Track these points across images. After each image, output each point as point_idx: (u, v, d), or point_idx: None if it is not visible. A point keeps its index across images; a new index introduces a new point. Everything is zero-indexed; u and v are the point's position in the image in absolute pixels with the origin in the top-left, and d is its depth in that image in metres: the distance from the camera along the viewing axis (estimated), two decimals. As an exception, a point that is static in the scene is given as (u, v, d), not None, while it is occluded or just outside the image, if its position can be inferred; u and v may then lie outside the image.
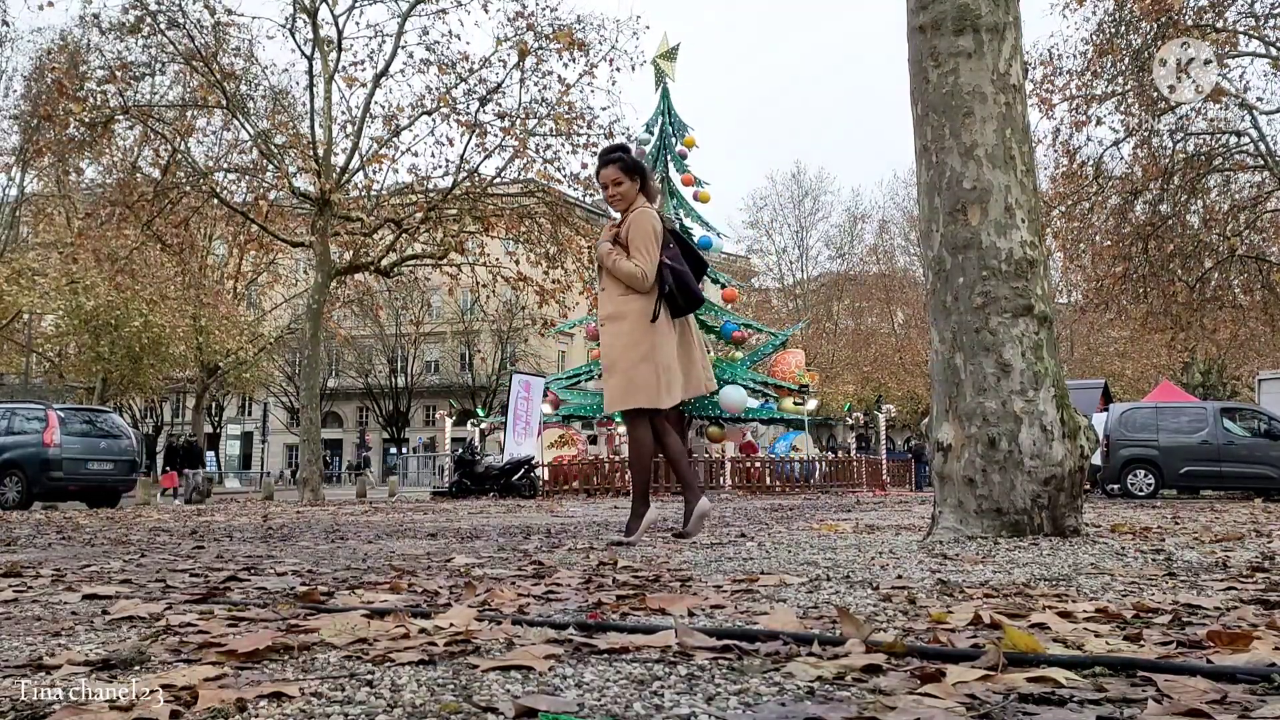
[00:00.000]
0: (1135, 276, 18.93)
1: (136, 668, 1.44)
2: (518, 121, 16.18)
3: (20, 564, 3.35)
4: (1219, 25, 16.40)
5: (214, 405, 43.81)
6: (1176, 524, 5.49)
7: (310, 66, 16.60)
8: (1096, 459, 14.89)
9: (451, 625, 1.72)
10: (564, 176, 16.41)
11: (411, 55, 24.19)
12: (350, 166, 16.52)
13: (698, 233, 19.80)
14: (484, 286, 17.17)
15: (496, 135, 16.29)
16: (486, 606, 2.06)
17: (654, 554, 3.57)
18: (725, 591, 2.33)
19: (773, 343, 22.19)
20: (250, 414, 49.72)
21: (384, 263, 17.01)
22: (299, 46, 16.52)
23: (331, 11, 16.24)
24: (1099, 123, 18.19)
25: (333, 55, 16.45)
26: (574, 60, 16.28)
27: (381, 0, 22.57)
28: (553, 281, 17.20)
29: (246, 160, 17.82)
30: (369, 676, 1.35)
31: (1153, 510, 8.34)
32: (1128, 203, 18.75)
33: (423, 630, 1.69)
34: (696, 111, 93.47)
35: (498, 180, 17.17)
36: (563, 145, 16.34)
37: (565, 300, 17.87)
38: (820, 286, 44.91)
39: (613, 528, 5.76)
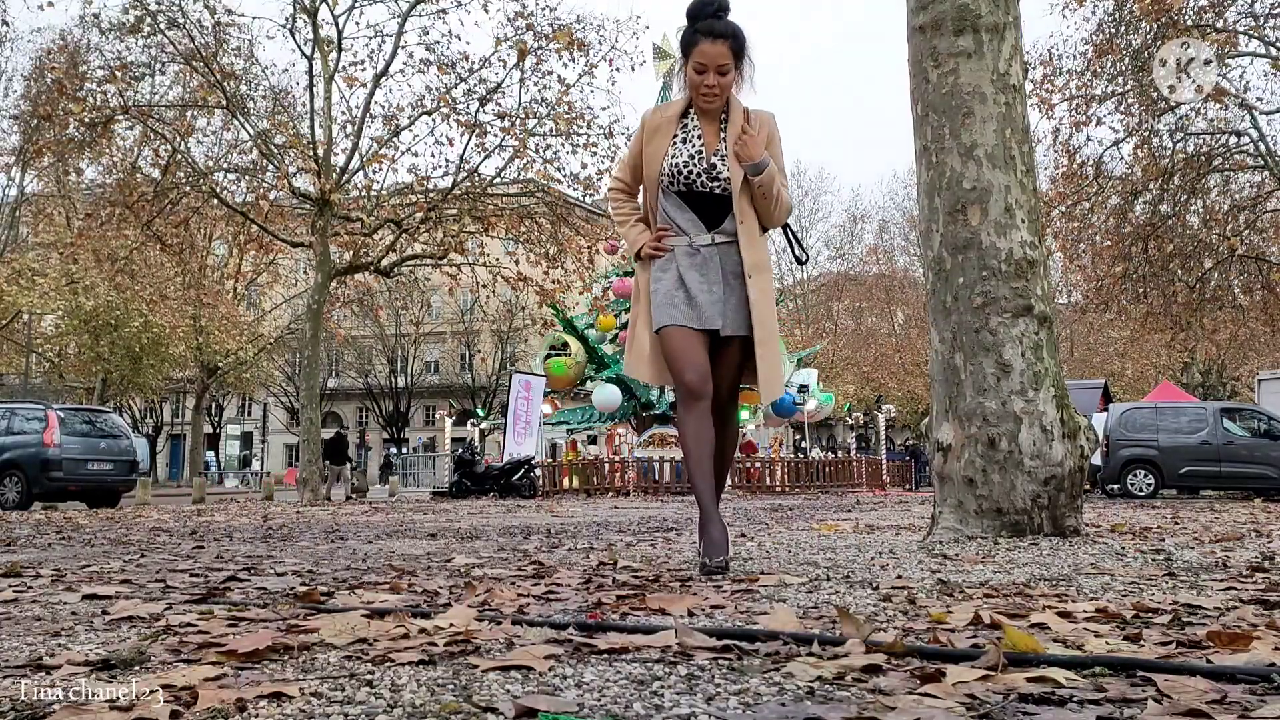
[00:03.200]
0: (1135, 276, 18.92)
1: (136, 668, 1.44)
2: (518, 121, 16.18)
3: (20, 564, 3.34)
4: (1219, 25, 16.39)
5: (214, 405, 43.80)
6: (1176, 524, 5.49)
7: (310, 66, 16.60)
8: (1096, 459, 14.88)
9: (451, 625, 1.72)
10: (564, 176, 16.41)
11: (411, 55, 24.17)
12: (350, 166, 16.52)
13: None
14: (484, 286, 17.18)
15: (496, 135, 16.30)
16: (486, 606, 2.06)
17: (654, 554, 3.57)
18: (725, 591, 2.33)
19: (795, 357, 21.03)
20: (250, 414, 49.71)
21: (384, 263, 17.01)
22: (299, 46, 16.52)
23: (331, 11, 16.24)
24: (1099, 123, 18.19)
25: (333, 55, 16.45)
26: (574, 60, 16.29)
27: (381, 0, 22.55)
28: (553, 281, 17.21)
29: (246, 160, 17.83)
30: (369, 676, 1.35)
31: (1153, 510, 8.34)
32: (1128, 203, 18.74)
33: (423, 630, 1.69)
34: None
35: (498, 180, 17.17)
36: (563, 145, 16.35)
37: (565, 300, 17.88)
38: (820, 286, 44.89)
39: (613, 527, 5.75)
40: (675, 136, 3.11)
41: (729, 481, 17.97)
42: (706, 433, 2.97)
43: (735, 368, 3.09)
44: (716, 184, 3.05)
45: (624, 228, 3.27)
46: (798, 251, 3.40)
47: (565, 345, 19.20)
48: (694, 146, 3.08)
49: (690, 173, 3.05)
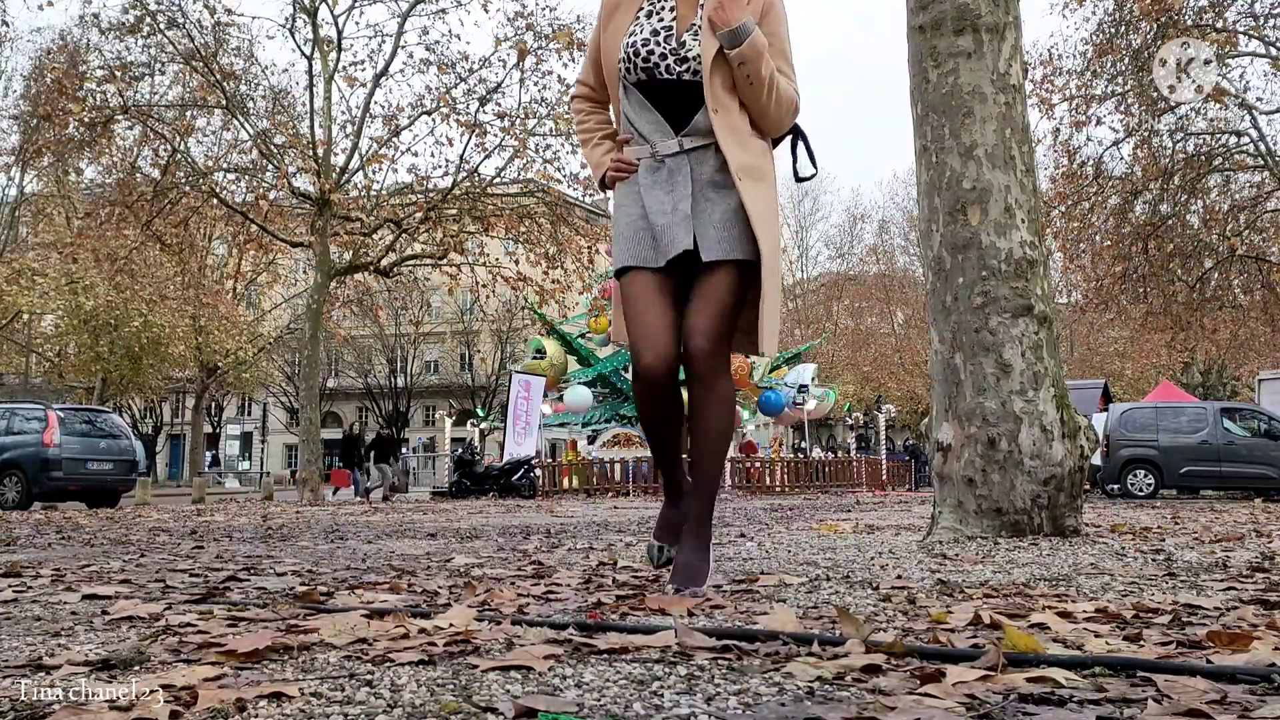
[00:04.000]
0: (1135, 276, 18.94)
1: (136, 668, 1.44)
2: (517, 121, 16.20)
3: (20, 564, 3.34)
4: (1219, 25, 16.40)
5: (214, 405, 43.81)
6: (1176, 524, 5.49)
7: (310, 66, 16.62)
8: (1096, 459, 14.88)
9: (451, 625, 1.72)
10: (564, 176, 16.43)
11: (411, 55, 24.32)
12: (350, 166, 16.53)
13: None
14: (484, 286, 17.19)
15: (496, 135, 16.33)
16: (486, 606, 2.06)
17: (654, 554, 3.57)
18: (725, 591, 2.33)
19: (785, 355, 20.87)
20: (250, 414, 49.71)
21: (384, 263, 17.03)
22: (299, 46, 16.55)
23: (331, 11, 16.26)
24: (1099, 123, 18.21)
25: (333, 55, 16.47)
26: (574, 60, 16.29)
27: (381, 0, 22.57)
28: (552, 281, 17.22)
29: (246, 160, 17.84)
30: (369, 676, 1.35)
31: (1153, 510, 8.34)
32: (1128, 203, 18.75)
33: (423, 630, 1.69)
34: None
35: (497, 180, 17.19)
36: (563, 145, 16.36)
37: (565, 300, 17.90)
38: (820, 287, 44.91)
39: (612, 528, 5.75)
40: (640, 10, 2.38)
41: (726, 479, 17.83)
42: (671, 411, 2.34)
43: (721, 306, 2.24)
44: (685, 67, 2.28)
45: (587, 149, 2.52)
46: (803, 166, 2.51)
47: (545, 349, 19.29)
48: (661, 21, 2.34)
49: (650, 54, 2.29)
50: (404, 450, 38.96)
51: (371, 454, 19.20)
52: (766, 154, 2.38)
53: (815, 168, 2.55)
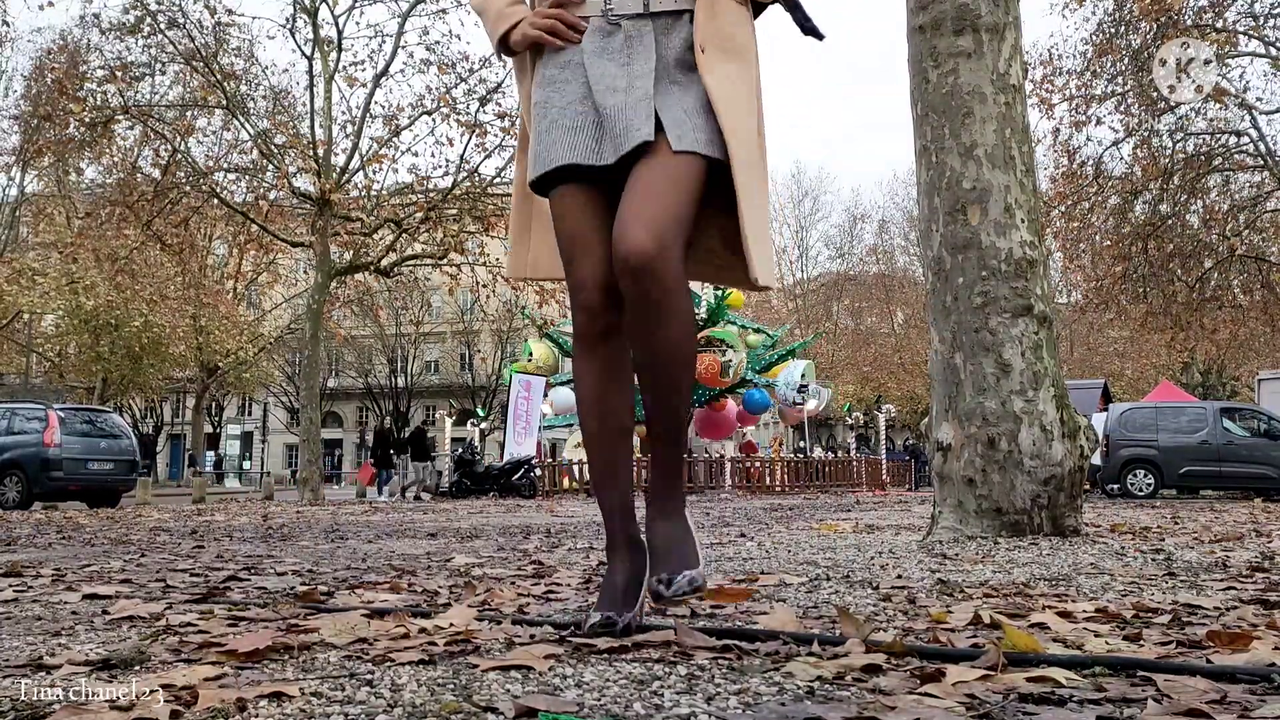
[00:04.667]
0: (1135, 276, 18.95)
1: (136, 668, 1.44)
2: (518, 121, 16.21)
3: (20, 564, 3.35)
4: (1219, 25, 16.41)
5: (214, 405, 43.82)
6: (1176, 524, 5.49)
7: (310, 66, 16.63)
8: (1096, 459, 14.88)
9: (451, 625, 1.72)
10: (564, 176, 16.41)
11: (411, 55, 24.32)
12: (350, 166, 16.54)
13: None
14: (484, 286, 17.20)
15: (496, 135, 16.34)
16: (486, 606, 2.07)
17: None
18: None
19: (779, 352, 20.65)
20: (250, 414, 49.72)
21: (384, 263, 17.03)
22: (299, 46, 16.57)
23: (331, 11, 16.27)
24: (1099, 123, 18.23)
25: (333, 55, 16.49)
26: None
27: (381, 0, 22.58)
28: (553, 281, 17.21)
29: (246, 160, 17.85)
30: (369, 676, 1.35)
31: (1153, 510, 8.34)
32: (1128, 203, 18.76)
33: (423, 630, 1.69)
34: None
35: (498, 180, 17.20)
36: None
37: (565, 300, 17.90)
38: (820, 287, 44.89)
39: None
40: None
41: (727, 479, 17.78)
42: (617, 389, 1.73)
43: (671, 197, 1.59)
44: None
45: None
46: (803, 21, 1.82)
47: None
48: None
49: None
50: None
51: (408, 452, 19.14)
52: (747, 22, 1.79)
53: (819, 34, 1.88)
